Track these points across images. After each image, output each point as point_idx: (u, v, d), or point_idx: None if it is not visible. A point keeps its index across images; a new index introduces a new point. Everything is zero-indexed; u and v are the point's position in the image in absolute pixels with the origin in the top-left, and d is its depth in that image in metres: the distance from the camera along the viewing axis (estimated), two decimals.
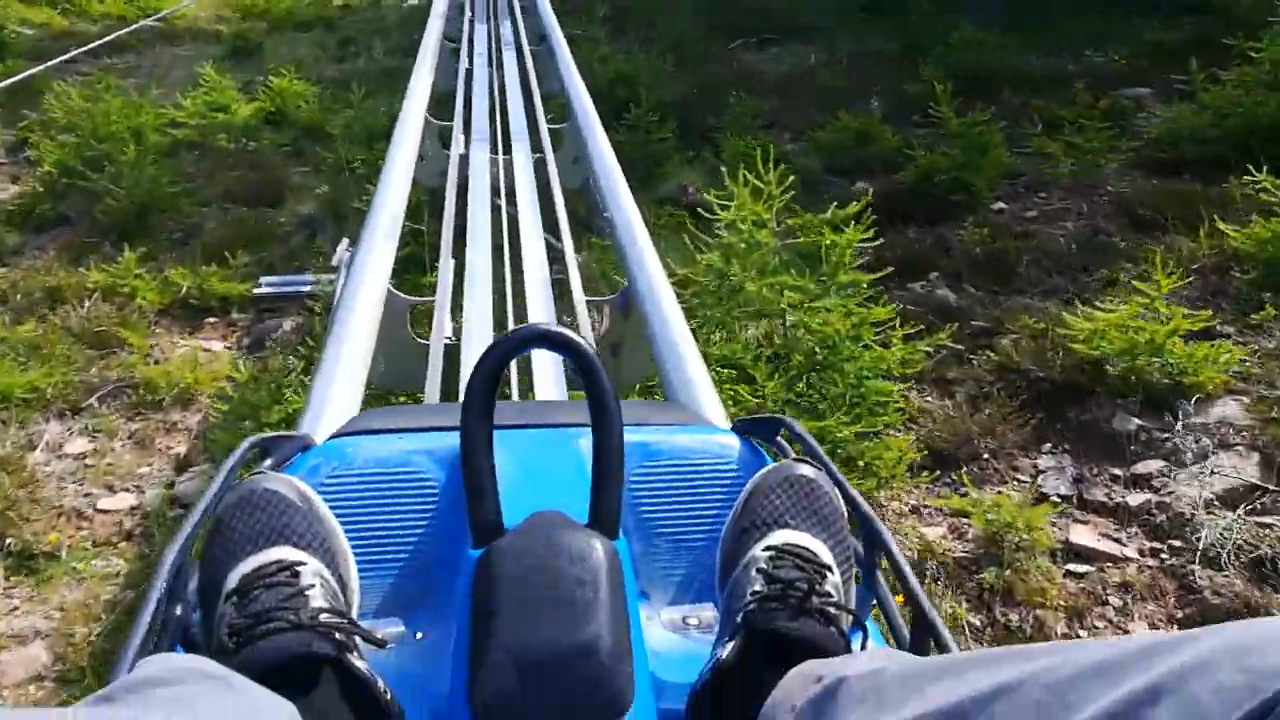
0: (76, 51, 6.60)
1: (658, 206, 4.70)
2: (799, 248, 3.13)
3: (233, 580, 0.72)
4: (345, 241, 2.87)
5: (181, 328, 3.80)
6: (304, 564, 0.74)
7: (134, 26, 6.84)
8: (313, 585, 0.72)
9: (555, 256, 2.46)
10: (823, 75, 6.68)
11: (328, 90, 6.65)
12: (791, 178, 3.15)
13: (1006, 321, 3.48)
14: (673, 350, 1.49)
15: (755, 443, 1.02)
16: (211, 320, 3.87)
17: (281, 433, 0.96)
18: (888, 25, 8.54)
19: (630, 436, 0.76)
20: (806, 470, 0.83)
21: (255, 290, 3.93)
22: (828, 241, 2.92)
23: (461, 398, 0.74)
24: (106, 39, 7.13)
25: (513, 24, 5.96)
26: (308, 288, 3.85)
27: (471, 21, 5.97)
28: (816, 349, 2.80)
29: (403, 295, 2.05)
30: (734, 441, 1.00)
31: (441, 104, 4.92)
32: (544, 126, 3.68)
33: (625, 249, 2.10)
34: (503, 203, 2.88)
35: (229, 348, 3.70)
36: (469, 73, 4.64)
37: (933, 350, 3.05)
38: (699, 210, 4.02)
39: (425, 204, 3.60)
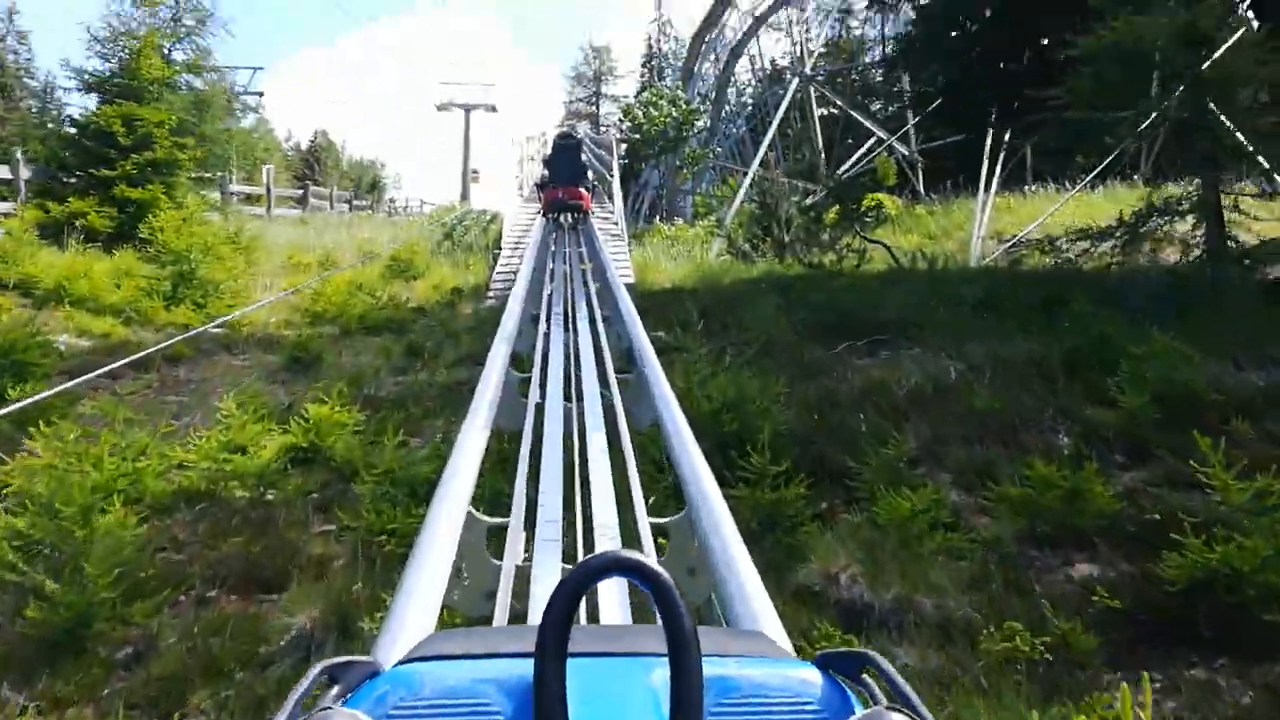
0: (113, 365, 5.91)
1: (794, 604, 3.28)
2: None
3: None
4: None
5: None
6: None
7: (175, 340, 6.17)
8: None
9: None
10: (965, 390, 5.49)
11: (378, 415, 5.72)
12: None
13: None
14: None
15: (840, 680, 0.90)
16: None
17: (350, 658, 0.92)
18: (1013, 324, 7.58)
19: (707, 669, 0.72)
20: None
21: None
22: None
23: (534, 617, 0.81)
24: (148, 351, 6.45)
25: (593, 339, 5.00)
26: None
27: (547, 335, 5.05)
28: None
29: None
30: (817, 678, 0.89)
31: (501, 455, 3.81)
32: (644, 522, 2.42)
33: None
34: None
35: None
36: (539, 410, 3.54)
37: None
38: (859, 614, 2.65)
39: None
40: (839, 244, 12.78)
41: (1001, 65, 10.90)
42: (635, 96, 28.42)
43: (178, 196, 13.78)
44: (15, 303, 9.08)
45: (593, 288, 7.19)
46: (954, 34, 10.33)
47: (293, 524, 4.16)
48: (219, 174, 19.67)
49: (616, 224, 16.24)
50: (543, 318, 5.61)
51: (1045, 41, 9.67)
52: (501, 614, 1.82)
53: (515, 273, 11.78)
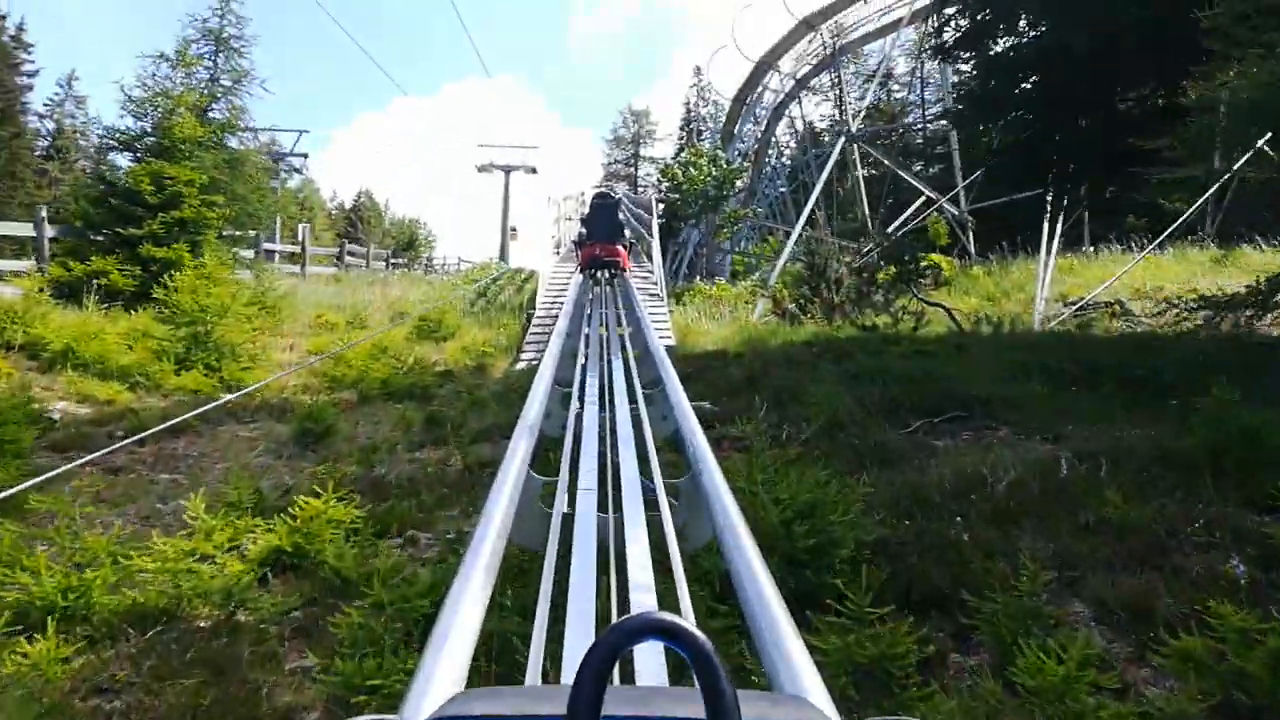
0: (83, 461, 5.24)
1: None
2: None
3: None
4: None
5: None
6: None
7: (170, 422, 5.44)
8: None
9: None
10: (1083, 488, 4.55)
11: (381, 506, 4.93)
12: None
13: None
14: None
15: None
16: None
17: (378, 716, 0.97)
18: (1115, 401, 6.63)
19: None
20: None
21: None
22: None
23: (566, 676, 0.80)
24: (150, 430, 5.77)
25: (634, 423, 4.17)
26: None
27: (579, 416, 4.24)
28: None
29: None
30: None
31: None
32: None
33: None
34: None
35: None
36: (567, 521, 2.72)
37: None
38: None
39: None
40: (893, 305, 11.92)
41: (1078, 118, 10.07)
42: (674, 157, 28.14)
43: (205, 255, 13.44)
44: (20, 365, 8.56)
45: (631, 354, 6.39)
46: (1024, 85, 9.56)
47: (261, 658, 3.33)
48: (254, 232, 19.53)
49: (655, 283, 15.58)
50: (574, 394, 4.81)
51: (1127, 92, 8.88)
52: None
53: (548, 336, 11.14)
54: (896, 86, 38.06)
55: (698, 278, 21.14)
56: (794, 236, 17.07)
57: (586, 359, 5.97)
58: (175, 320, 9.28)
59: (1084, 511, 4.19)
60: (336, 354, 9.63)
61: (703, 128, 53.01)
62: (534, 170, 34.47)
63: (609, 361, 6.00)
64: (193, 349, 9.07)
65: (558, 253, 19.21)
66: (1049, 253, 14.83)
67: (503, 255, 33.30)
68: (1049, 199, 14.71)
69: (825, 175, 19.42)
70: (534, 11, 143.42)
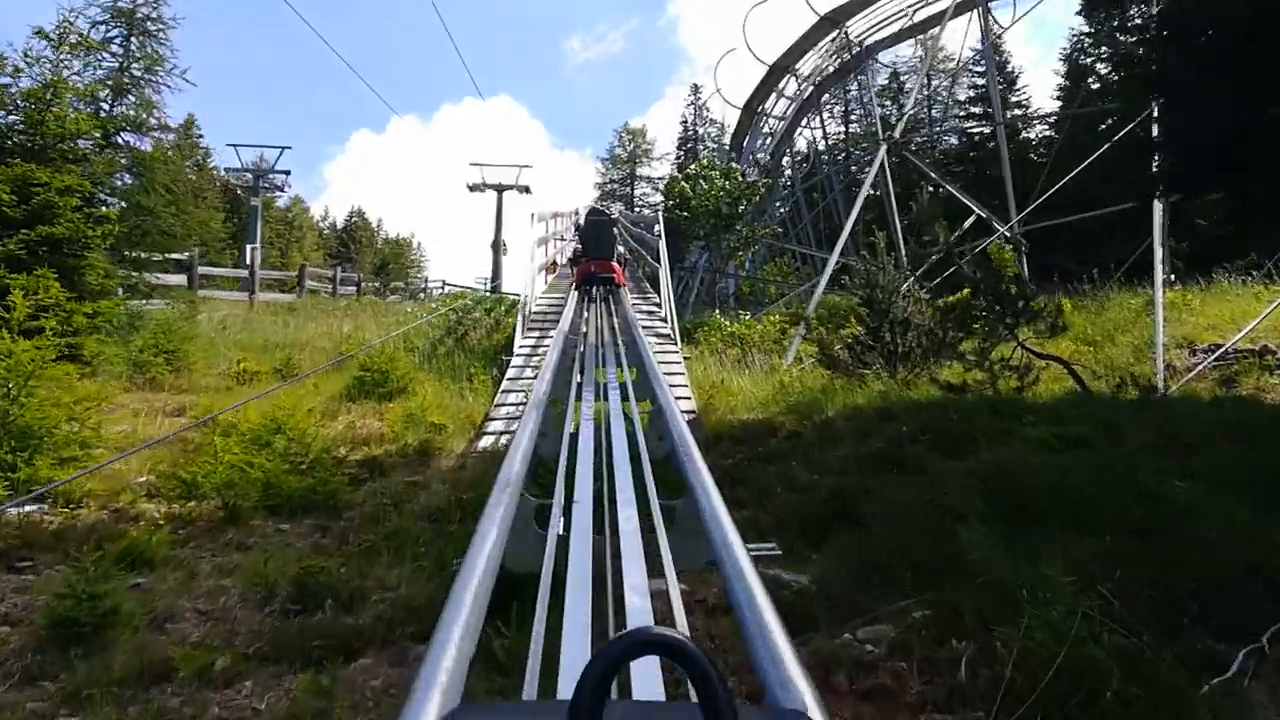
0: None
1: None
2: None
3: None
4: None
5: None
6: None
7: None
8: None
9: None
10: None
11: None
12: None
13: None
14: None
15: None
16: None
17: None
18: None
19: None
20: None
21: None
22: None
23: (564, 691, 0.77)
24: None
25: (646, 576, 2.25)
26: None
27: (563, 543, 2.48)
28: None
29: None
30: None
31: None
32: None
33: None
34: None
35: None
36: None
37: None
38: None
39: None
40: (988, 356, 8.85)
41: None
42: (679, 172, 25.01)
43: (88, 281, 10.37)
44: None
45: (639, 427, 4.13)
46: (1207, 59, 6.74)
47: None
48: (188, 254, 16.45)
49: (663, 318, 12.53)
50: (555, 511, 2.75)
51: None
52: None
53: (525, 397, 8.11)
54: (921, 95, 35.30)
55: (714, 311, 18.11)
56: (832, 260, 14.04)
57: (576, 438, 4.04)
58: None
59: None
60: (201, 424, 6.51)
61: (701, 147, 50.12)
62: (527, 189, 32.25)
63: (607, 445, 3.84)
64: None
65: (547, 275, 16.19)
66: (1162, 285, 11.79)
67: (495, 275, 30.74)
68: (1161, 212, 11.76)
69: (866, 189, 16.33)
70: (530, 36, 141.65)
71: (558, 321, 9.45)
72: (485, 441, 7.98)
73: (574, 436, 4.07)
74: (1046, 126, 25.15)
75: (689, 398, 9.05)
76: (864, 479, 5.56)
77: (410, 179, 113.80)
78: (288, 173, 35.37)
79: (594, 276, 12.09)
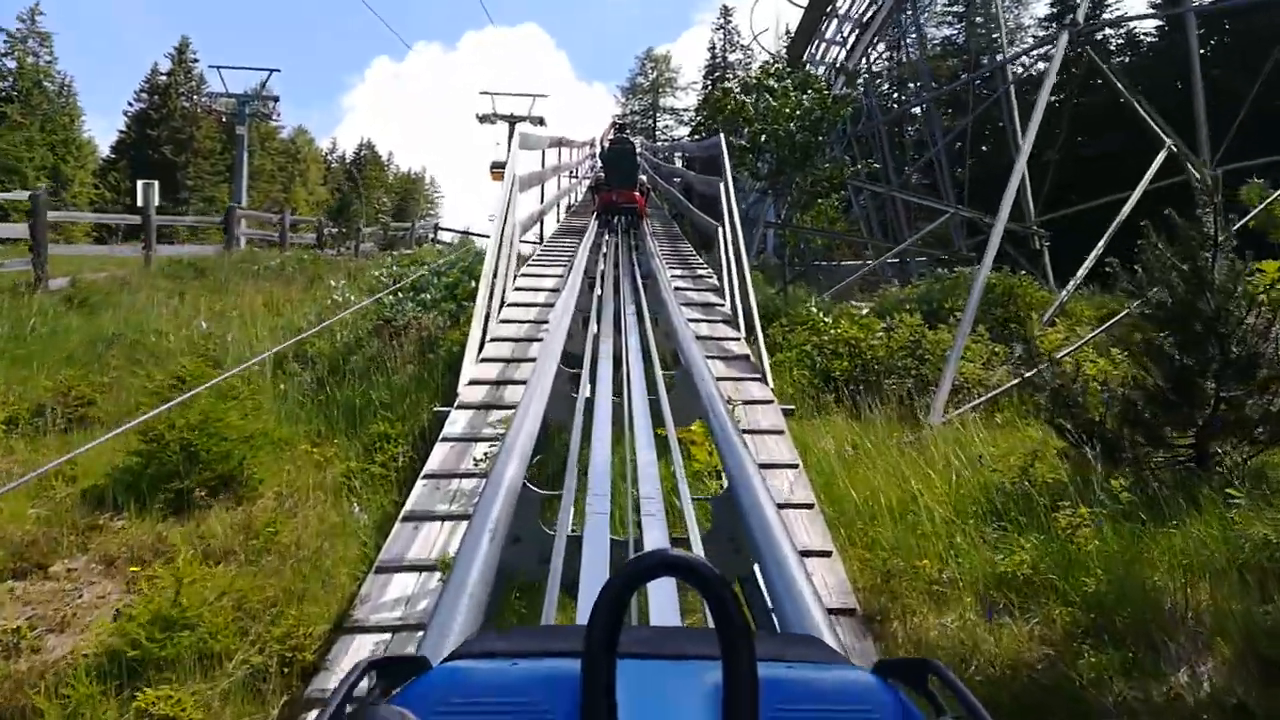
0: None
1: None
2: None
3: None
4: None
5: None
6: None
7: None
8: None
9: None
10: None
11: None
12: None
13: None
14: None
15: (899, 688, 0.86)
16: None
17: (397, 654, 0.94)
18: None
19: (761, 672, 0.68)
20: None
21: None
22: None
23: (583, 615, 0.78)
24: None
25: None
26: None
27: None
28: None
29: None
30: (875, 685, 0.86)
31: None
32: None
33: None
34: None
35: None
36: None
37: None
38: None
39: None
40: None
41: None
42: (718, 89, 18.97)
43: None
44: None
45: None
46: None
47: None
48: (29, 191, 11.36)
49: (727, 316, 7.45)
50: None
51: None
52: None
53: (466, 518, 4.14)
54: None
55: (785, 283, 12.73)
56: (1001, 218, 8.65)
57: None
58: None
59: None
60: None
61: (731, 76, 43.26)
62: (541, 121, 27.63)
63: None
64: None
65: (529, 240, 11.34)
66: None
67: (507, 217, 26.15)
68: None
69: (1043, 98, 10.46)
70: None
71: (547, 340, 4.43)
72: (324, 681, 2.97)
73: None
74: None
75: (828, 552, 3.95)
76: None
77: (426, 111, 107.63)
78: (276, 99, 30.46)
79: (616, 206, 11.92)
